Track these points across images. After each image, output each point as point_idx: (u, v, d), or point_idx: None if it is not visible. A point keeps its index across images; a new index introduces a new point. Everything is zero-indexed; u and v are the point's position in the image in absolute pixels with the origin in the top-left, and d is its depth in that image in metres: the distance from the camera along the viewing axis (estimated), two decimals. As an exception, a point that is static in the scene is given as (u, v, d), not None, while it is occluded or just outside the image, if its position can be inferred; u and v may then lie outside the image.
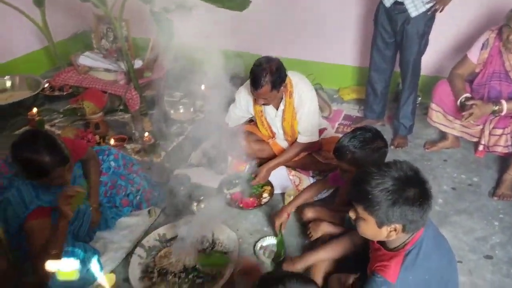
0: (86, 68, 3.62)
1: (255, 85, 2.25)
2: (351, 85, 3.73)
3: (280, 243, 2.09)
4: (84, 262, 1.79)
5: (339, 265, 1.84)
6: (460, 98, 2.47)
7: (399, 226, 1.28)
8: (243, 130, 2.70)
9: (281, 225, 2.14)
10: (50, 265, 1.65)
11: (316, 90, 3.39)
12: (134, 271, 1.86)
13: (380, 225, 1.29)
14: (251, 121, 2.82)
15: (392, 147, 2.94)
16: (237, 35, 3.09)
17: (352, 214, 1.38)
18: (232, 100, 2.65)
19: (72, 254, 1.76)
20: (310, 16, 3.55)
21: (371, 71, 2.97)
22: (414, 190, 1.26)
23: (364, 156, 1.81)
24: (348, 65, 3.67)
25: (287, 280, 1.11)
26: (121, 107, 3.40)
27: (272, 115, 2.55)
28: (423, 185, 1.28)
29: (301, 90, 2.42)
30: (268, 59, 2.27)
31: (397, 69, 2.95)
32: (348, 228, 1.86)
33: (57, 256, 1.67)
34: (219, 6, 2.50)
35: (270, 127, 2.63)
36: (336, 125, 3.25)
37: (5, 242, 1.75)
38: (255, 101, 2.45)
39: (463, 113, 2.38)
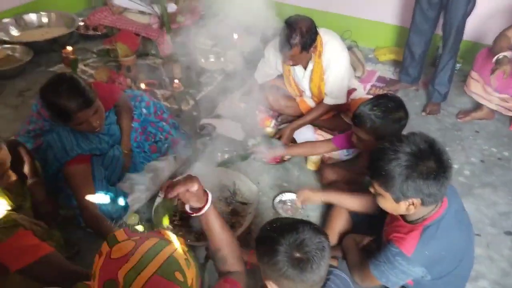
0: (120, 9, 3.60)
1: (284, 46, 2.18)
2: (389, 45, 3.58)
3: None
4: (115, 203, 1.92)
5: (354, 227, 1.88)
6: (498, 55, 2.35)
7: (416, 201, 1.28)
8: (271, 85, 2.69)
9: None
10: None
11: (350, 47, 3.31)
12: (157, 211, 1.95)
13: (397, 200, 1.30)
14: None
15: (423, 113, 2.87)
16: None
17: (372, 190, 1.39)
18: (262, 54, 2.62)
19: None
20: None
21: (411, 32, 2.83)
22: (428, 164, 1.24)
23: (384, 126, 1.75)
24: (387, 23, 3.51)
25: (300, 226, 1.14)
26: (153, 52, 3.40)
27: (300, 75, 2.50)
28: (438, 157, 1.26)
29: (331, 50, 2.33)
30: (299, 19, 2.17)
31: (438, 31, 2.81)
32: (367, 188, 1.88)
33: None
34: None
35: (297, 86, 2.59)
36: (368, 86, 3.17)
37: (42, 177, 1.86)
38: (284, 61, 2.39)
39: (494, 67, 2.29)
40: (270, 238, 1.14)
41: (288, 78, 2.58)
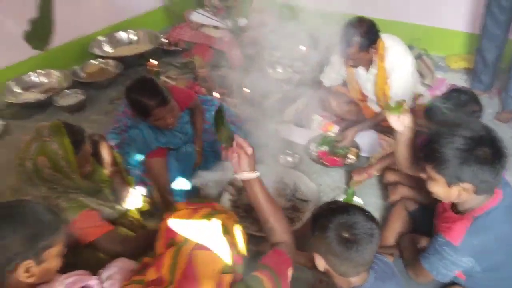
0: (197, 25, 3.94)
1: (344, 45, 2.26)
2: (460, 53, 3.49)
3: (350, 195, 2.17)
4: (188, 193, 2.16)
5: (413, 228, 1.89)
6: None
7: (470, 186, 1.27)
8: (335, 91, 2.78)
9: (354, 182, 2.21)
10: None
11: (420, 56, 3.29)
12: (224, 205, 2.14)
13: (449, 184, 1.30)
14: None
15: (496, 121, 2.77)
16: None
17: (423, 175, 1.41)
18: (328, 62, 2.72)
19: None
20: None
21: (483, 37, 2.78)
22: (485, 149, 1.24)
23: (457, 118, 1.70)
24: (458, 30, 3.43)
25: (354, 210, 1.23)
26: (225, 63, 3.67)
27: (364, 78, 2.55)
28: (496, 144, 1.26)
29: (395, 55, 2.36)
30: (359, 19, 2.26)
31: (511, 36, 2.71)
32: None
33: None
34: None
35: (361, 90, 2.65)
36: (438, 94, 3.11)
37: (121, 167, 2.13)
38: (345, 62, 2.47)
39: None
40: (325, 215, 1.24)
41: (352, 82, 2.65)
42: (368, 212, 1.25)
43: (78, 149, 1.66)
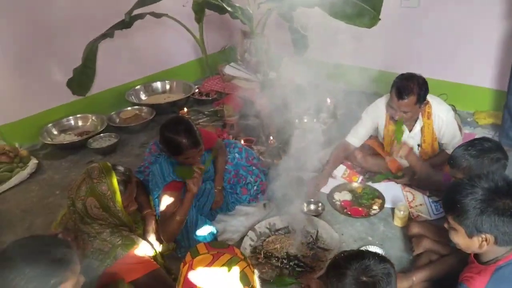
0: (230, 77, 4.14)
1: (401, 95, 2.30)
2: (488, 109, 3.49)
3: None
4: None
5: (436, 280, 1.82)
6: None
7: (490, 237, 1.28)
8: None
9: None
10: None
11: (447, 111, 3.31)
12: (245, 250, 2.13)
13: (470, 235, 1.31)
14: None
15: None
16: (367, 52, 3.21)
17: (446, 225, 1.41)
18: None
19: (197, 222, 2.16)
20: (447, 34, 3.46)
21: (509, 94, 2.78)
22: (505, 201, 1.25)
23: (480, 166, 1.73)
24: (486, 87, 3.45)
25: (366, 254, 1.24)
26: (253, 113, 3.79)
27: (404, 137, 2.57)
28: None
29: (440, 112, 2.46)
30: (414, 74, 2.34)
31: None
32: (454, 248, 1.83)
33: (181, 222, 2.05)
34: (349, 23, 2.65)
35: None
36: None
37: (154, 209, 2.19)
38: (391, 117, 2.49)
39: None
40: (339, 264, 1.25)
41: (391, 138, 2.63)
42: (378, 253, 1.26)
43: (125, 189, 1.74)
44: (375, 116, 2.64)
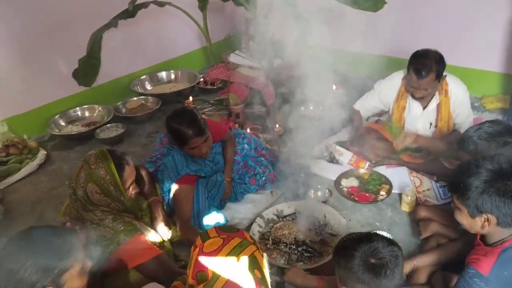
0: (235, 65, 4.13)
1: (420, 73, 2.28)
2: (496, 94, 3.46)
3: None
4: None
5: (445, 265, 1.83)
6: None
7: (492, 218, 1.30)
8: (367, 128, 2.80)
9: None
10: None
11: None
12: (253, 236, 2.14)
13: (472, 215, 1.33)
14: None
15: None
16: (373, 38, 3.18)
17: (452, 205, 1.42)
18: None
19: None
20: (454, 18, 3.42)
21: (518, 77, 2.75)
22: (507, 183, 1.26)
23: (488, 148, 1.71)
24: (493, 71, 3.42)
25: (374, 236, 1.25)
26: (258, 101, 3.79)
27: (417, 113, 2.56)
28: None
29: (457, 89, 2.45)
30: (430, 50, 2.33)
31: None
32: (462, 231, 1.83)
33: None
34: (355, 7, 2.63)
35: (404, 125, 2.65)
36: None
37: (160, 197, 2.21)
38: (412, 94, 2.46)
39: None
40: (347, 246, 1.26)
41: (401, 115, 2.63)
42: (386, 236, 1.28)
43: (122, 170, 1.77)
44: (388, 86, 2.63)
